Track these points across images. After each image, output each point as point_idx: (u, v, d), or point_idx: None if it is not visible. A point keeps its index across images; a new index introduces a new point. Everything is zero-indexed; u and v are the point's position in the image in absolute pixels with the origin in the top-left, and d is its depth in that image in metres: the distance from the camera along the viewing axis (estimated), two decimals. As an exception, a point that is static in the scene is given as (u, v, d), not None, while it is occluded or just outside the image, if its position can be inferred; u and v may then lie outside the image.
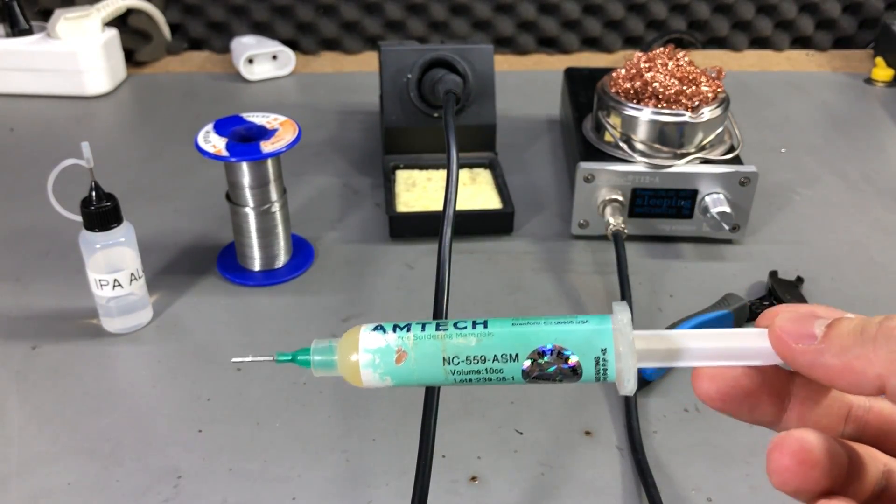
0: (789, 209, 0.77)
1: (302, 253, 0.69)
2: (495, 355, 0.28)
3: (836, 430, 0.28)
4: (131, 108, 0.99)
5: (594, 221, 0.69)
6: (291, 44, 1.09)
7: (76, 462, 0.50)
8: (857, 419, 0.28)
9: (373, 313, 0.62)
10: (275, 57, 1.06)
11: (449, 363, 0.28)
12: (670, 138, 0.68)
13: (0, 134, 0.91)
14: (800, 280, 0.64)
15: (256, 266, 0.66)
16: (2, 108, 0.97)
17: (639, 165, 0.67)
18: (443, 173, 0.76)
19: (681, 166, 0.67)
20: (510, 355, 0.28)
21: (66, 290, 0.64)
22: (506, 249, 0.70)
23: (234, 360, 0.34)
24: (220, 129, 0.62)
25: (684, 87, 0.68)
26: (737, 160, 0.68)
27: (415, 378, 0.29)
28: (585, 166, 0.68)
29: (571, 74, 0.87)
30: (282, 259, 0.67)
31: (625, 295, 0.61)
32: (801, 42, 1.15)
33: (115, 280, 0.57)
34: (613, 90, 0.70)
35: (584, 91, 0.81)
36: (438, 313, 0.48)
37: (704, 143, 0.68)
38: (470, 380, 0.28)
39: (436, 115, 0.77)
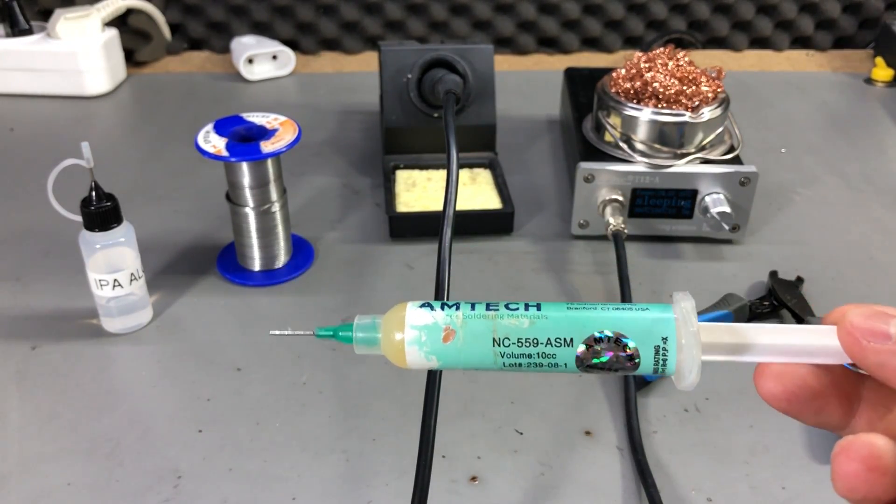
0: (789, 209, 0.77)
1: (302, 253, 0.69)
2: (549, 339, 0.26)
3: None
4: (131, 108, 0.99)
5: (594, 221, 0.69)
6: (291, 44, 1.09)
7: (76, 462, 0.50)
8: None
9: (373, 314, 0.62)
10: (275, 57, 1.06)
11: (499, 345, 0.27)
12: (670, 138, 0.68)
13: (0, 134, 0.91)
14: (800, 280, 0.64)
15: (256, 266, 0.66)
16: (2, 108, 0.97)
17: (639, 165, 0.67)
18: (443, 173, 0.76)
19: (681, 166, 0.67)
20: (564, 340, 0.26)
21: (66, 290, 0.64)
22: (506, 249, 0.70)
23: (272, 332, 0.33)
24: (220, 129, 0.62)
25: (684, 87, 0.68)
26: (737, 160, 0.68)
27: (462, 359, 0.27)
28: (585, 166, 0.68)
29: (571, 74, 0.87)
30: (282, 259, 0.67)
31: (625, 295, 0.61)
32: (801, 42, 1.15)
33: (115, 280, 0.57)
34: (613, 90, 0.70)
35: (584, 91, 0.81)
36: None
37: (704, 143, 0.68)
38: (520, 364, 0.27)
39: (436, 115, 0.77)
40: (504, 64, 1.10)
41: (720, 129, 0.69)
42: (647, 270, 0.67)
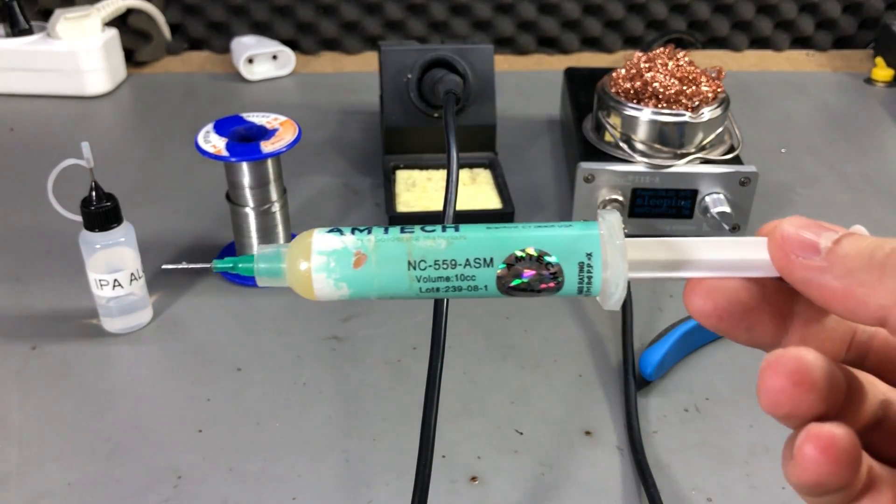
0: (789, 209, 0.76)
1: (302, 253, 0.69)
2: (467, 259, 0.25)
3: (838, 356, 0.26)
4: (131, 108, 0.99)
5: (594, 221, 0.69)
6: (291, 44, 1.09)
7: (76, 462, 0.50)
8: (860, 345, 0.26)
9: (373, 314, 0.62)
10: (275, 57, 1.06)
11: (415, 268, 0.25)
12: (670, 138, 0.68)
13: (0, 134, 0.91)
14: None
15: (256, 266, 0.66)
16: (2, 108, 0.97)
17: (639, 165, 0.67)
18: (443, 173, 0.76)
19: (681, 166, 0.67)
20: (484, 259, 0.25)
21: (66, 290, 0.64)
22: (506, 249, 0.70)
23: (164, 266, 0.32)
24: (220, 129, 0.62)
25: (684, 87, 0.68)
26: (737, 160, 0.68)
27: (375, 285, 0.25)
28: (585, 166, 0.68)
29: (571, 74, 0.87)
30: (282, 259, 0.67)
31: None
32: (801, 42, 1.15)
33: (115, 280, 0.57)
34: (613, 90, 0.70)
35: (584, 91, 0.81)
36: (438, 313, 0.48)
37: (704, 143, 0.68)
38: (437, 289, 0.25)
39: (436, 115, 0.77)
40: (504, 64, 1.10)
41: (720, 129, 0.69)
42: (647, 270, 0.67)
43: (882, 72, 1.03)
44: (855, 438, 0.22)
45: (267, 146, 0.60)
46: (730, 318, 0.25)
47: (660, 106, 0.68)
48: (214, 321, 0.62)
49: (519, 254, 0.25)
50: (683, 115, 0.67)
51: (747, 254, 0.25)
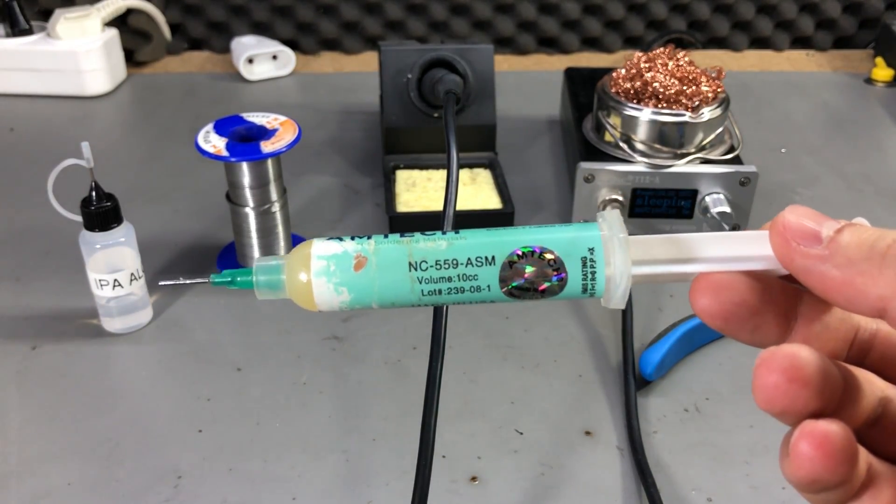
0: (789, 209, 0.76)
1: (302, 253, 0.69)
2: (469, 258, 0.25)
3: (840, 355, 0.26)
4: (131, 108, 0.99)
5: (594, 221, 0.69)
6: (291, 44, 1.09)
7: (76, 462, 0.50)
8: (862, 343, 0.26)
9: (373, 313, 0.62)
10: (275, 57, 1.06)
11: (416, 269, 0.25)
12: (670, 138, 0.68)
13: (0, 134, 0.91)
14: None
15: (256, 266, 0.66)
16: (2, 108, 0.97)
17: (639, 165, 0.67)
18: (443, 173, 0.76)
19: (681, 166, 0.67)
20: (486, 258, 0.25)
21: (66, 290, 0.64)
22: (506, 249, 0.70)
23: (161, 283, 0.32)
24: (220, 129, 0.62)
25: (684, 87, 0.68)
26: (737, 160, 0.68)
27: (377, 290, 0.25)
28: (585, 166, 0.68)
29: (571, 74, 0.87)
30: (282, 259, 0.67)
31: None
32: (801, 42, 1.15)
33: (115, 280, 0.57)
34: (613, 90, 0.70)
35: (584, 91, 0.81)
36: (438, 312, 0.48)
37: (704, 143, 0.68)
38: (440, 291, 0.25)
39: (436, 115, 0.77)
40: (504, 64, 1.10)
41: (720, 129, 0.69)
42: (647, 270, 0.67)
43: (882, 72, 1.03)
44: (850, 435, 0.22)
45: (267, 146, 0.60)
46: (735, 318, 0.25)
47: (660, 106, 0.68)
48: (214, 321, 0.62)
49: (521, 251, 0.25)
50: (683, 115, 0.67)
51: (750, 247, 0.25)
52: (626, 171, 0.67)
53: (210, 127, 0.62)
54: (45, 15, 1.01)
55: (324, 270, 0.25)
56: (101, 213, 0.55)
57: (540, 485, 0.48)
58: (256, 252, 0.65)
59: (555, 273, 0.25)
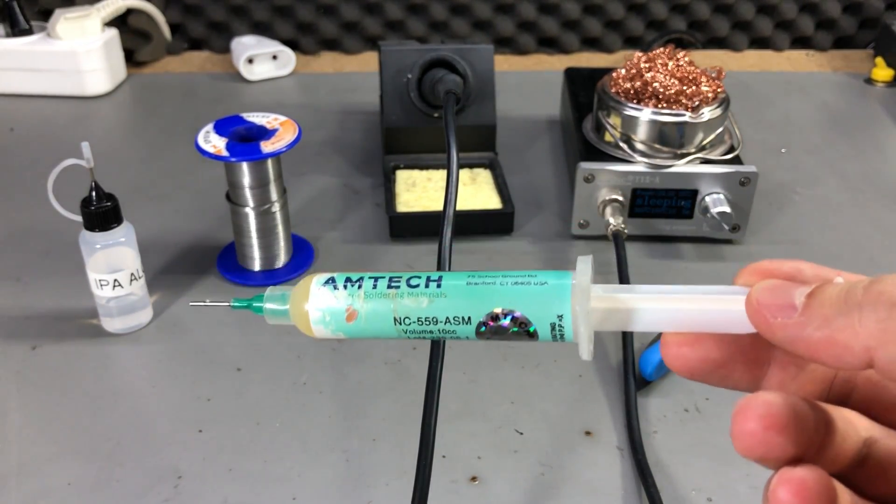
0: (789, 209, 0.77)
1: (302, 253, 0.69)
2: (447, 317, 0.27)
3: (821, 396, 0.26)
4: (131, 108, 0.99)
5: (594, 221, 0.69)
6: (291, 44, 1.09)
7: (76, 462, 0.50)
8: (843, 383, 0.26)
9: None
10: (275, 57, 1.06)
11: (400, 323, 0.28)
12: (670, 138, 0.68)
13: (0, 134, 0.91)
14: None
15: (256, 266, 0.66)
16: (2, 108, 0.97)
17: (639, 165, 0.67)
18: (443, 173, 0.76)
19: (681, 166, 0.67)
20: (462, 318, 0.27)
21: (66, 290, 0.64)
22: (506, 249, 0.70)
23: (191, 303, 0.35)
24: (220, 129, 0.62)
25: (684, 87, 0.68)
26: (737, 160, 0.68)
27: (367, 334, 0.29)
28: (585, 166, 0.68)
29: (571, 74, 0.87)
30: (282, 259, 0.67)
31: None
32: (801, 42, 1.15)
33: (116, 280, 0.57)
34: (613, 90, 0.70)
35: (584, 91, 0.81)
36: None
37: (704, 143, 0.68)
38: (423, 336, 0.28)
39: (436, 115, 0.77)
40: (504, 64, 1.10)
41: (720, 129, 0.69)
42: (648, 270, 0.67)
43: (882, 72, 1.03)
44: (828, 481, 0.22)
45: (267, 146, 0.60)
46: (701, 371, 0.26)
47: (660, 106, 0.68)
48: (214, 321, 0.62)
49: (495, 312, 0.27)
50: (683, 115, 0.67)
51: (723, 310, 0.25)
52: (626, 171, 0.67)
53: (210, 127, 0.62)
54: (45, 15, 1.01)
55: (321, 320, 0.29)
56: (101, 213, 0.55)
57: (540, 485, 0.48)
58: (256, 252, 0.66)
59: (526, 334, 0.27)
